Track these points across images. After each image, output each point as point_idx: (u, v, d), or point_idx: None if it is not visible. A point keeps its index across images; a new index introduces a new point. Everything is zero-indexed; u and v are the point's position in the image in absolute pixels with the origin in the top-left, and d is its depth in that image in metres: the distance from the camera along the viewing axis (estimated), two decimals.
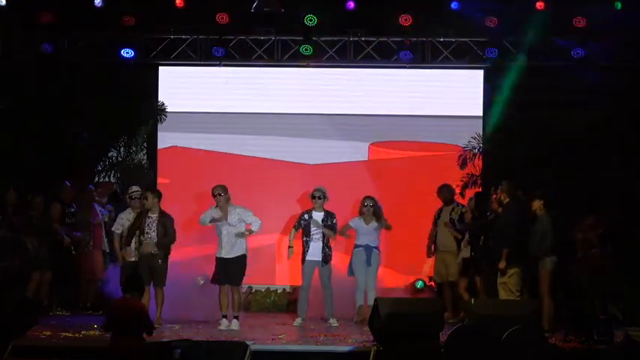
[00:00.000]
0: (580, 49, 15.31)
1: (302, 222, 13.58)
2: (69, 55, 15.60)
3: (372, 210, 13.84)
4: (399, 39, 15.78)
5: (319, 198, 13.57)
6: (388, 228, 13.97)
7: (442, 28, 15.71)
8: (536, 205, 12.75)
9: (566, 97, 15.09)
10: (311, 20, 15.29)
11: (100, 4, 15.09)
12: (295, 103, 16.08)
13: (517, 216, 12.74)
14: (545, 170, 14.34)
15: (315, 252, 13.47)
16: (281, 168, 16.08)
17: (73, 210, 14.36)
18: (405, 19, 15.36)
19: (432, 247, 14.38)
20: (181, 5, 15.21)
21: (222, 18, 15.38)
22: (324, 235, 13.48)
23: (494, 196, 13.09)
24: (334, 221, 13.63)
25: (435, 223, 14.31)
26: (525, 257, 12.60)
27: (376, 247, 13.87)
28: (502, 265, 12.51)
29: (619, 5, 14.83)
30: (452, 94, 16.00)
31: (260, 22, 15.64)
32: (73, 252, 14.23)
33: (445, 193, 14.30)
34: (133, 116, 15.64)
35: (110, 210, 14.72)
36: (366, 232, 13.80)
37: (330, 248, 13.58)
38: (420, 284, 15.38)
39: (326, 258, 13.51)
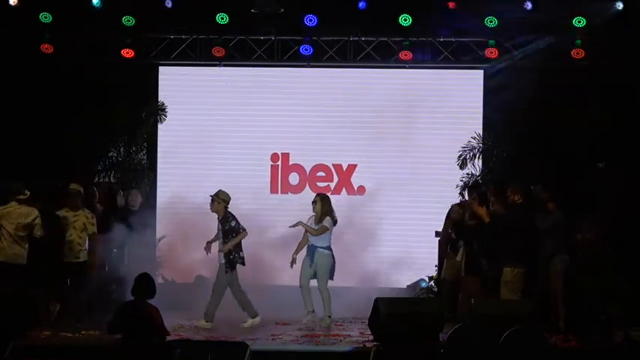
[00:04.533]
0: (580, 49, 15.31)
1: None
2: (69, 55, 15.59)
3: (316, 207, 13.52)
4: (399, 39, 15.79)
5: (211, 201, 13.30)
6: (312, 231, 13.38)
7: (442, 29, 15.70)
8: (551, 206, 12.80)
9: (567, 97, 15.09)
10: (406, 20, 15.20)
11: (98, 4, 15.08)
12: (295, 103, 16.08)
13: (524, 216, 12.74)
14: (546, 170, 14.35)
15: (219, 256, 13.22)
16: (281, 168, 16.11)
17: None
18: (405, 19, 15.35)
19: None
20: (169, 6, 15.19)
21: (223, 18, 15.39)
22: (223, 239, 13.13)
23: (495, 197, 13.11)
24: (232, 224, 13.14)
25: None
26: (530, 257, 12.59)
27: (324, 248, 13.44)
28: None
29: (620, 5, 14.84)
30: (452, 94, 15.99)
31: (260, 22, 15.64)
32: None
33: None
34: (133, 116, 15.63)
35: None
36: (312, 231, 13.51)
37: (236, 253, 13.17)
38: (424, 284, 15.35)
39: (230, 263, 13.18)
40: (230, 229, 13.19)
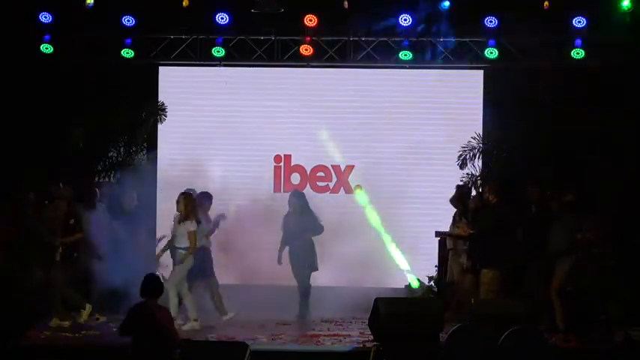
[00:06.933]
0: (580, 49, 15.33)
1: None
2: (69, 56, 15.60)
3: (180, 207, 13.11)
4: (399, 39, 15.80)
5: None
6: (189, 250, 12.96)
7: (442, 28, 15.71)
8: (559, 206, 12.81)
9: (567, 97, 15.09)
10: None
11: (91, 6, 15.08)
12: (295, 102, 16.08)
13: (499, 218, 12.73)
14: (545, 170, 14.36)
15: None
16: (284, 169, 16.13)
17: None
18: (405, 19, 15.37)
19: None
20: (187, 4, 15.18)
21: (223, 18, 15.41)
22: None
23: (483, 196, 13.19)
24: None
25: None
26: (511, 259, 12.60)
27: (183, 249, 12.98)
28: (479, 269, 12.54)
29: (629, 6, 14.79)
30: (452, 94, 15.99)
31: (260, 22, 15.64)
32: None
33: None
34: (133, 116, 15.63)
35: None
36: (174, 230, 13.20)
37: (69, 251, 13.02)
38: (415, 285, 15.35)
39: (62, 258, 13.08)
40: (72, 226, 13.02)
